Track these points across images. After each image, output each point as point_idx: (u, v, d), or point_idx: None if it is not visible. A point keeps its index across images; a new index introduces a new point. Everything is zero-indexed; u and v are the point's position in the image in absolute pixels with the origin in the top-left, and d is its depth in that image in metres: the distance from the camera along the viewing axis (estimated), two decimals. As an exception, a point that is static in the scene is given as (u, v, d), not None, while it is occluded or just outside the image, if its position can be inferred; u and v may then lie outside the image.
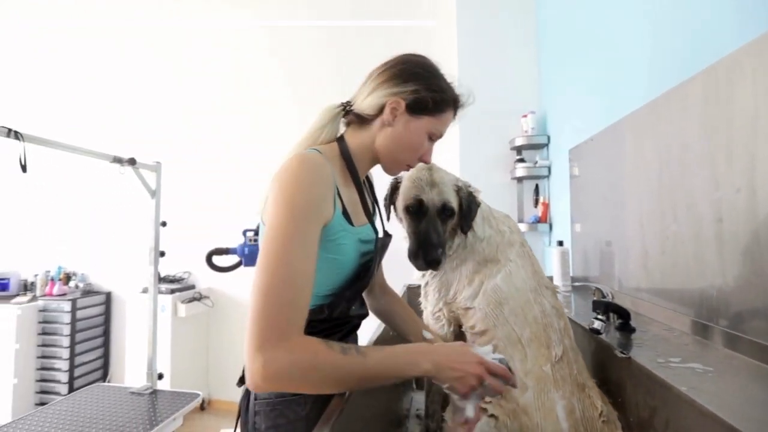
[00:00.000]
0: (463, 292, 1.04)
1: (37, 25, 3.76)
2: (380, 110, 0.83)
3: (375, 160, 0.88)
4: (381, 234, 0.92)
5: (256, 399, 0.80)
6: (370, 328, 1.11)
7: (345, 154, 0.84)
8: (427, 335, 1.00)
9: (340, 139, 0.87)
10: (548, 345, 0.92)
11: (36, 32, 3.80)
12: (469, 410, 0.67)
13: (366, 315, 0.92)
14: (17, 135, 1.52)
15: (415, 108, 0.81)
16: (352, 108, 0.86)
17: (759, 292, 0.81)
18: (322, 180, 0.72)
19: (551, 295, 1.00)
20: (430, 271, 1.10)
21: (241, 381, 0.82)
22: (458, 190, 1.03)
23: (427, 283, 1.13)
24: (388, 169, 0.89)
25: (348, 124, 0.88)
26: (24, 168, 1.53)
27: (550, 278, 1.82)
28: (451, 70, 0.89)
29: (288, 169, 0.71)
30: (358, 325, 0.91)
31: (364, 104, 0.84)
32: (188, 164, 3.49)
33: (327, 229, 0.72)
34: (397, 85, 0.81)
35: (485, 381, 0.65)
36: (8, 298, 3.30)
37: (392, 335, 1.18)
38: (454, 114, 0.88)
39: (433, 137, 0.86)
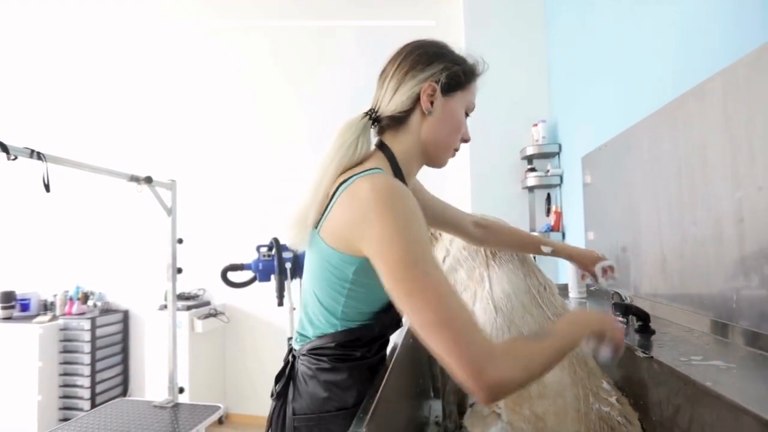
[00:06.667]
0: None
1: (46, 43, 3.87)
2: (414, 102, 0.78)
3: (422, 160, 0.84)
4: None
5: (295, 414, 0.77)
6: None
7: (394, 164, 0.80)
8: (546, 249, 1.09)
9: (383, 147, 0.81)
10: None
11: (46, 50, 3.90)
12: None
13: (397, 327, 0.90)
14: (40, 156, 1.55)
15: (450, 87, 0.79)
16: (378, 114, 0.81)
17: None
18: (413, 199, 0.68)
19: (548, 294, 1.02)
20: None
21: (278, 395, 0.82)
22: None
23: None
24: (438, 162, 0.85)
25: (381, 132, 0.83)
26: (48, 188, 1.55)
27: (564, 285, 1.82)
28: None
29: (380, 194, 0.65)
30: (388, 340, 0.90)
31: (393, 103, 0.79)
32: (200, 181, 3.57)
33: None
34: (424, 70, 0.78)
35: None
36: (30, 318, 3.37)
37: (411, 341, 1.20)
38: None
39: (468, 111, 0.84)
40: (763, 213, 0.86)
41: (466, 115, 0.84)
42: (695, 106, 1.09)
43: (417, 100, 0.78)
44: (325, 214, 0.72)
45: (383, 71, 0.82)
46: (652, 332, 1.05)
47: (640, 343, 0.97)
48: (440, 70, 0.78)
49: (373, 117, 0.81)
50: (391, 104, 0.79)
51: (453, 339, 0.58)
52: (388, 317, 0.80)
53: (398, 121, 0.80)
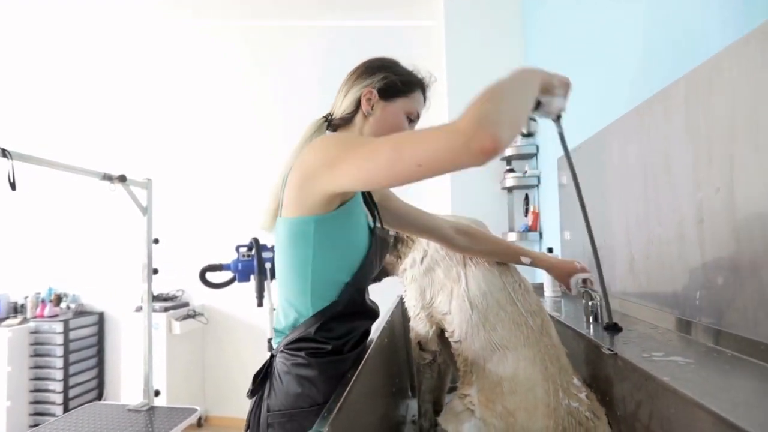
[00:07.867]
0: (439, 296, 1.09)
1: (20, 39, 3.74)
2: (357, 105, 0.90)
3: None
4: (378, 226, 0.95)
5: (269, 411, 0.80)
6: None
7: None
8: (525, 260, 1.12)
9: None
10: (525, 345, 0.96)
11: (19, 45, 3.77)
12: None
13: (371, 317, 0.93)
14: (5, 153, 1.51)
15: (387, 92, 0.89)
16: (333, 116, 0.94)
17: (737, 287, 0.85)
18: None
19: (523, 292, 1.04)
20: (405, 280, 1.20)
21: (253, 393, 0.85)
22: None
23: (405, 291, 1.21)
24: None
25: (335, 130, 0.94)
26: (13, 186, 1.51)
27: (539, 285, 1.86)
28: (439, 80, 0.97)
29: (319, 139, 0.80)
30: (363, 339, 0.93)
31: (343, 107, 0.92)
32: (177, 179, 3.51)
33: (350, 203, 0.81)
34: (367, 78, 0.90)
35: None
36: (-2, 321, 3.28)
37: (387, 341, 1.21)
38: (424, 96, 0.96)
39: (411, 116, 0.93)
40: (720, 214, 0.89)
41: (410, 120, 0.93)
42: (661, 109, 1.12)
43: (359, 103, 0.90)
44: (283, 198, 0.82)
45: (341, 84, 0.95)
46: (619, 330, 1.08)
47: (606, 341, 1.00)
48: (380, 79, 0.89)
49: (329, 119, 0.94)
50: (341, 107, 0.92)
51: (433, 129, 0.62)
52: (356, 291, 0.84)
53: (346, 121, 0.92)
